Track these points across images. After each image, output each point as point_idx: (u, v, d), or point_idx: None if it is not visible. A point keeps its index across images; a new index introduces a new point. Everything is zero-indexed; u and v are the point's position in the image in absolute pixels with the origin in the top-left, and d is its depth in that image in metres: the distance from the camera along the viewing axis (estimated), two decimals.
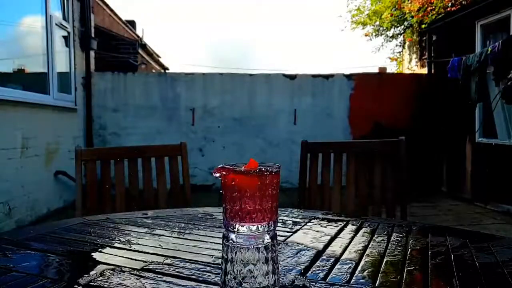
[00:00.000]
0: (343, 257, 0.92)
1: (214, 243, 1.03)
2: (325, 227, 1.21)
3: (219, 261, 0.74)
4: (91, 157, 1.81)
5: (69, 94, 5.35)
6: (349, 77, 6.51)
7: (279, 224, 1.18)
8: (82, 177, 1.76)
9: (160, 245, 1.01)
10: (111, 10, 9.33)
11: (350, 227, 1.19)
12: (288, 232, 1.13)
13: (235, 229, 0.57)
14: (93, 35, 5.85)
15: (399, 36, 9.30)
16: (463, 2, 6.40)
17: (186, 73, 6.40)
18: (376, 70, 8.67)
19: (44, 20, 4.65)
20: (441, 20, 6.16)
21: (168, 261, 0.88)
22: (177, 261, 0.88)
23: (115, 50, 7.68)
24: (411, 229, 1.18)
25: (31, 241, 1.03)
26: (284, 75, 6.44)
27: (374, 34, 9.66)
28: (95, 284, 0.75)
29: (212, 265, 0.86)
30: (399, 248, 0.99)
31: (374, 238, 1.07)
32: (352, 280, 0.78)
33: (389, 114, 6.37)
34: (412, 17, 7.75)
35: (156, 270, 0.83)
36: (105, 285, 0.74)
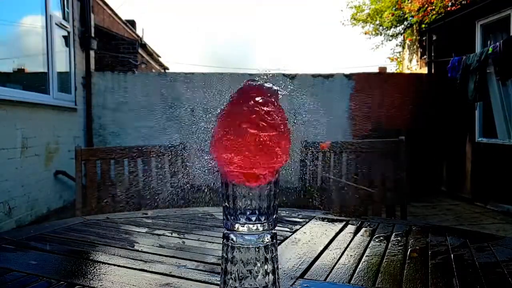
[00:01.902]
0: (343, 257, 0.92)
1: (214, 242, 1.03)
2: (325, 227, 1.21)
3: (216, 260, 0.74)
4: (91, 157, 1.81)
5: (69, 93, 5.35)
6: (349, 77, 6.51)
7: (279, 224, 1.18)
8: (82, 177, 1.76)
9: (160, 244, 1.01)
10: (111, 10, 9.32)
11: (350, 227, 1.19)
12: (288, 232, 1.13)
13: (235, 229, 0.57)
14: (93, 34, 5.85)
15: (399, 35, 9.31)
16: (463, 2, 6.40)
17: (186, 73, 6.39)
18: (376, 70, 8.66)
19: (44, 19, 4.65)
20: (441, 20, 6.15)
21: (169, 260, 0.88)
22: (177, 260, 0.88)
23: (115, 50, 7.68)
24: (411, 229, 1.18)
25: (31, 241, 1.03)
26: (284, 75, 6.44)
27: (374, 33, 9.66)
28: (95, 284, 0.75)
29: (212, 264, 0.86)
30: (399, 248, 0.99)
31: (374, 238, 1.07)
32: (352, 280, 0.78)
33: (389, 114, 6.37)
34: (412, 16, 7.75)
35: (156, 270, 0.83)
36: (105, 285, 0.74)
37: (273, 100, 0.57)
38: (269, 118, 0.55)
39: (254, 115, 0.55)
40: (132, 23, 11.23)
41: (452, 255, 0.92)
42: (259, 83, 0.58)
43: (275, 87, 0.58)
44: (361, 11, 9.84)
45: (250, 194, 0.56)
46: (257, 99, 0.56)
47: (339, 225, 1.21)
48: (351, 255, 0.93)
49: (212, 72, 6.64)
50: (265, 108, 0.56)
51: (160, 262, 0.88)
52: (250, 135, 0.54)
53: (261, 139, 0.54)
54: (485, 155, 5.11)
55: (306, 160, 1.93)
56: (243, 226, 0.57)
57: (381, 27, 9.49)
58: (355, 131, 6.42)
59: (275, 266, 0.58)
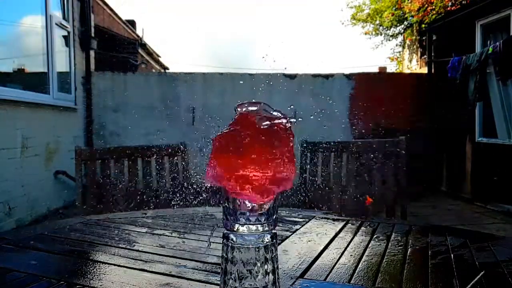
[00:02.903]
0: (343, 257, 0.92)
1: (214, 242, 1.03)
2: (325, 226, 1.21)
3: (217, 260, 0.74)
4: (91, 157, 1.81)
5: (69, 93, 5.35)
6: (349, 76, 6.51)
7: (279, 224, 1.18)
8: (82, 177, 1.77)
9: (160, 244, 1.01)
10: (111, 10, 9.32)
11: (350, 227, 1.19)
12: (288, 231, 1.13)
13: (235, 229, 0.57)
14: (93, 34, 5.85)
15: (399, 35, 9.31)
16: (463, 2, 6.40)
17: (186, 73, 6.39)
18: (376, 70, 8.67)
19: (44, 19, 4.65)
20: (441, 20, 6.15)
21: (169, 260, 0.88)
22: (177, 260, 0.89)
23: (115, 50, 7.68)
24: (411, 229, 1.18)
25: (31, 241, 1.03)
26: (284, 74, 6.44)
27: (374, 32, 9.66)
28: (95, 284, 0.75)
29: (212, 264, 0.86)
30: (399, 248, 0.99)
31: (374, 238, 1.07)
32: (352, 280, 0.78)
33: (389, 113, 6.37)
34: (412, 16, 7.75)
35: (156, 270, 0.83)
36: (105, 285, 0.74)
37: (280, 134, 0.54)
38: (272, 160, 0.52)
39: (256, 157, 0.52)
40: (132, 23, 11.23)
41: (452, 255, 0.92)
42: (265, 111, 0.54)
43: (284, 120, 0.54)
44: (361, 11, 9.85)
45: None
46: (262, 134, 0.53)
47: (339, 225, 1.21)
48: (351, 255, 0.93)
49: (212, 72, 6.64)
50: (268, 148, 0.52)
51: (160, 262, 0.88)
52: (249, 176, 0.51)
53: (260, 179, 0.52)
54: (485, 155, 5.11)
55: (306, 160, 1.93)
56: (243, 227, 0.57)
57: (381, 27, 9.49)
58: (355, 131, 6.42)
59: (275, 266, 0.58)
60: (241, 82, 6.45)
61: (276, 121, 0.54)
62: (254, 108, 0.55)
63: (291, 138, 0.55)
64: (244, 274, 0.56)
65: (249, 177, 0.52)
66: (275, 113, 0.55)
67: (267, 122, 0.54)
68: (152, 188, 1.87)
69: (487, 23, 5.09)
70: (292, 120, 0.55)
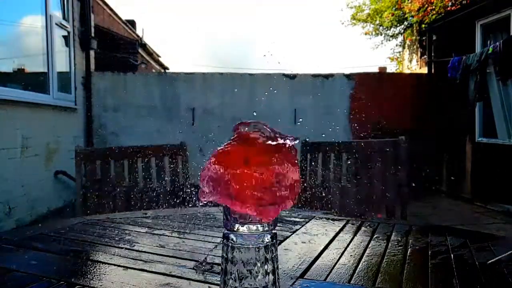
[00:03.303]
0: (343, 257, 0.92)
1: (214, 242, 1.03)
2: (325, 227, 1.21)
3: (216, 260, 0.74)
4: (91, 157, 1.81)
5: (69, 93, 5.35)
6: (349, 76, 6.51)
7: (279, 224, 1.18)
8: (82, 177, 1.76)
9: (160, 244, 1.01)
10: (111, 10, 9.32)
11: (350, 227, 1.19)
12: (288, 231, 1.13)
13: (235, 229, 0.57)
14: (93, 34, 5.85)
15: (399, 35, 9.31)
16: (463, 2, 6.40)
17: (186, 73, 6.39)
18: (376, 70, 8.67)
19: (44, 19, 4.65)
20: (441, 20, 6.15)
21: (168, 260, 0.88)
22: (177, 260, 0.89)
23: (115, 50, 7.67)
24: (411, 229, 1.18)
25: (31, 240, 1.03)
26: (284, 74, 6.44)
27: (374, 33, 9.67)
28: (95, 284, 0.75)
29: (212, 264, 0.86)
30: (399, 248, 0.99)
31: (374, 238, 1.07)
32: (352, 280, 0.78)
33: (389, 113, 6.37)
34: (412, 16, 7.75)
35: (156, 270, 0.83)
36: (105, 285, 0.74)
37: (283, 153, 0.53)
38: (272, 180, 0.51)
39: (256, 175, 0.50)
40: (132, 23, 11.23)
41: (452, 255, 0.92)
42: (265, 130, 0.53)
43: (287, 140, 0.53)
44: (361, 11, 9.85)
45: None
46: (263, 152, 0.52)
47: (339, 225, 1.21)
48: (351, 255, 0.93)
49: (212, 72, 6.64)
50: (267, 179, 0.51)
51: (160, 262, 0.88)
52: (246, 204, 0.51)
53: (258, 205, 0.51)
54: (485, 155, 5.11)
55: (306, 160, 1.93)
56: (243, 227, 0.57)
57: (381, 27, 9.49)
58: (355, 131, 6.41)
59: (275, 266, 0.58)
60: (241, 82, 6.45)
61: (279, 140, 0.53)
62: (254, 127, 0.54)
63: (294, 156, 0.54)
64: (244, 274, 0.56)
65: (247, 197, 0.51)
66: (276, 134, 0.54)
67: (269, 142, 0.53)
68: (152, 188, 1.87)
69: (487, 23, 5.09)
70: (295, 141, 0.54)
